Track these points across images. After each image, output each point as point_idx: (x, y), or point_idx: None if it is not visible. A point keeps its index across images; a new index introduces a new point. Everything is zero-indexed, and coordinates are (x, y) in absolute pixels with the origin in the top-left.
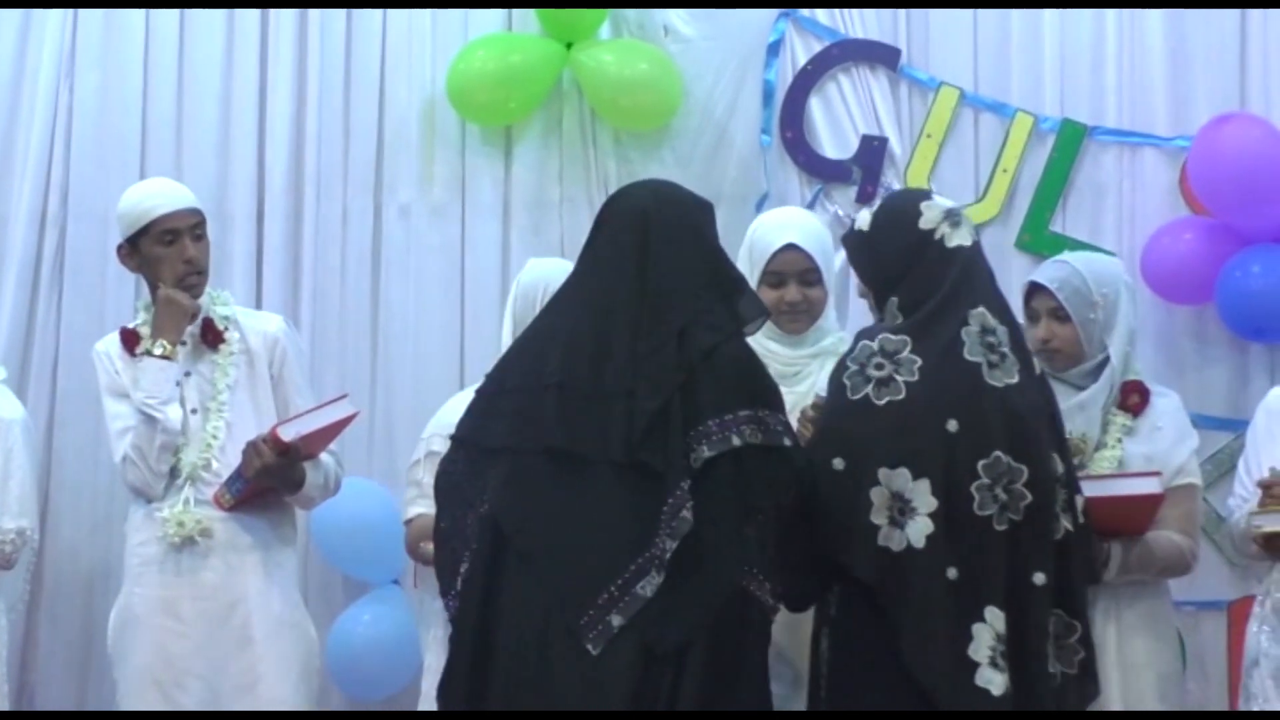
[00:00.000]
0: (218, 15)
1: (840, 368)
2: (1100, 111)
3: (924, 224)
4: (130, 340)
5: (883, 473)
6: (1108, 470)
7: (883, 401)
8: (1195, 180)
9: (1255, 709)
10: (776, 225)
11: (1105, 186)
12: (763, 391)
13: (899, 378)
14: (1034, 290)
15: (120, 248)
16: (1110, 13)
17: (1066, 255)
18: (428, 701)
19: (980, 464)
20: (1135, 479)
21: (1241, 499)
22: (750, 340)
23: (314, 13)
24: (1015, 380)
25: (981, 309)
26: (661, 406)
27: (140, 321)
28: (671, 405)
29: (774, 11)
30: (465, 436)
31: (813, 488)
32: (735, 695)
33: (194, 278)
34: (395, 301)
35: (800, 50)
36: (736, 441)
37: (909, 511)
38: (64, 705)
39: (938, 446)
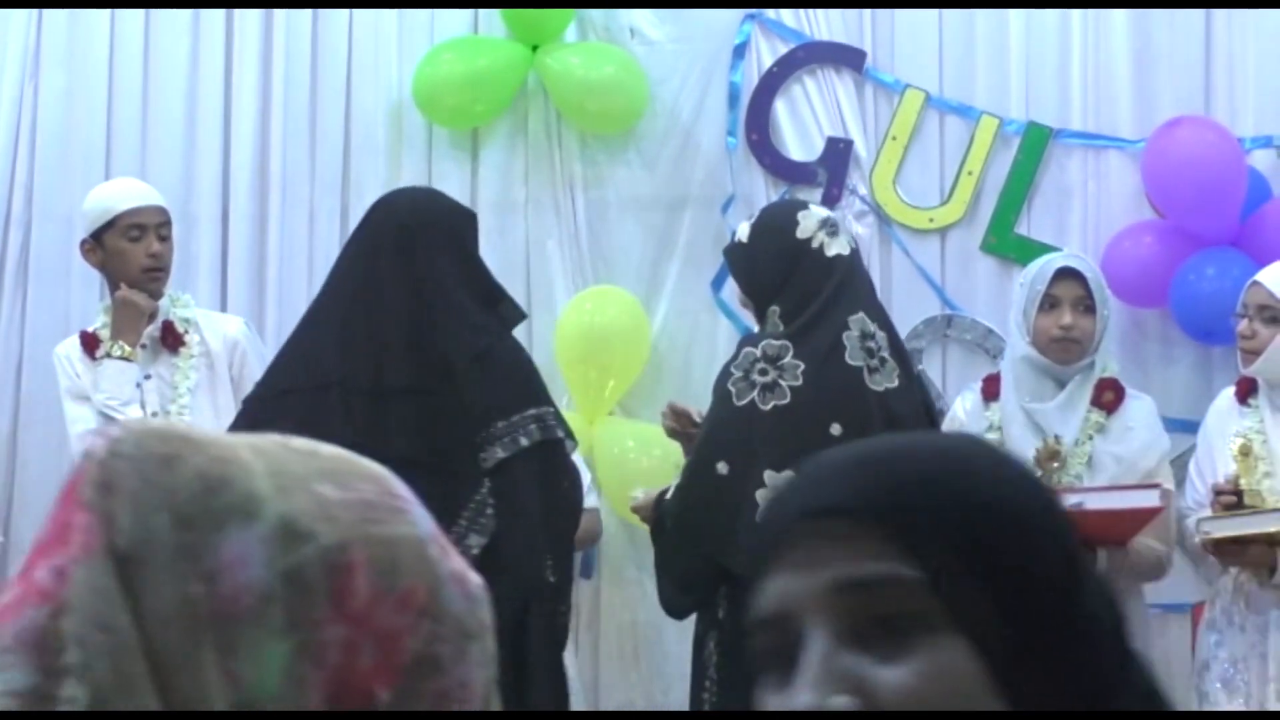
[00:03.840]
0: (183, 16)
1: (724, 375)
2: (1065, 114)
3: (801, 233)
4: (90, 343)
5: (769, 475)
6: (1077, 469)
7: (768, 406)
8: (1149, 183)
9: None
10: None
11: (1070, 189)
12: (540, 390)
13: (784, 383)
14: (1061, 276)
15: (84, 243)
16: (1075, 14)
17: (1069, 252)
18: None
19: None
20: (1135, 491)
21: (1195, 503)
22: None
23: (279, 14)
24: (895, 385)
25: (861, 314)
26: (443, 405)
27: (100, 325)
28: (452, 404)
29: (740, 13)
30: None
31: (687, 490)
32: (528, 686)
33: (157, 274)
34: None
35: (766, 52)
36: (524, 441)
37: None
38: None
39: (822, 449)
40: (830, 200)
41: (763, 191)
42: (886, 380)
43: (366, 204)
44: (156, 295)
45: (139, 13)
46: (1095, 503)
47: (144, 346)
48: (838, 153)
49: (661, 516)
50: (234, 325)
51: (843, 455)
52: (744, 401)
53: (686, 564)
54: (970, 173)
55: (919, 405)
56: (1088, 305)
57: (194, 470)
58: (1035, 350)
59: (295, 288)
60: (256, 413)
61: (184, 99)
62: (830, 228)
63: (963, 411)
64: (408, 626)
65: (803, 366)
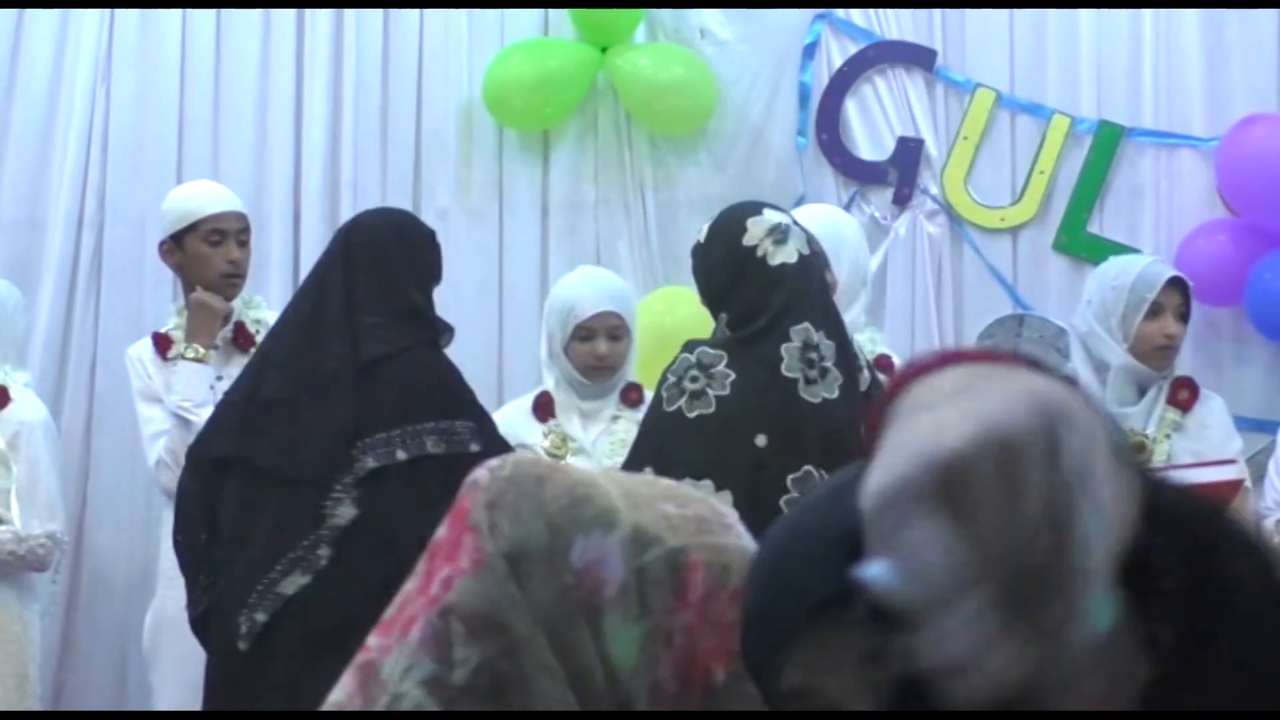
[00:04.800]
0: (254, 16)
1: (661, 379)
2: (1137, 113)
3: (747, 240)
4: (162, 344)
5: (688, 484)
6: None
7: (693, 414)
8: (1223, 181)
9: None
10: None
11: (1142, 188)
12: (450, 402)
13: (710, 391)
14: (1168, 284)
15: (162, 244)
16: (1147, 13)
17: (1153, 256)
18: None
19: (790, 478)
20: (1215, 467)
21: (1275, 503)
22: None
23: (350, 14)
24: (835, 395)
25: (806, 325)
26: (322, 415)
27: (172, 326)
28: (328, 415)
29: (810, 13)
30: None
31: None
32: None
33: (235, 280)
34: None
35: (836, 52)
36: (401, 455)
37: None
38: (101, 707)
39: (743, 461)
40: (900, 200)
41: (833, 191)
42: (826, 391)
43: (437, 205)
44: (231, 299)
45: (210, 14)
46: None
47: (216, 348)
48: (908, 152)
49: None
50: None
51: None
52: (672, 408)
53: None
54: (1042, 172)
55: (862, 417)
56: (1183, 313)
57: (563, 487)
58: (1133, 357)
59: None
60: (215, 417)
61: (255, 100)
62: (778, 235)
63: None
64: (739, 618)
65: (733, 376)
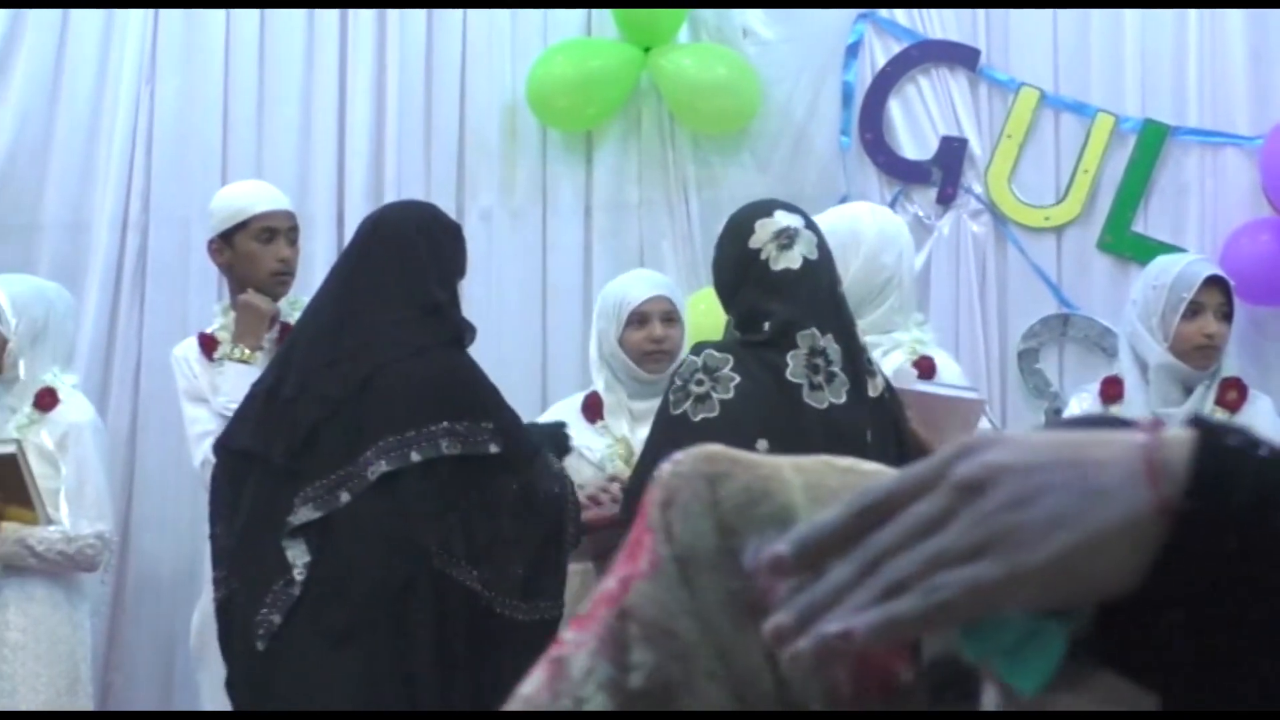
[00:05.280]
0: (298, 16)
1: (669, 382)
2: (1181, 111)
3: (753, 243)
4: (208, 344)
5: None
6: None
7: (698, 418)
8: (1268, 180)
9: None
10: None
11: (1187, 186)
12: (467, 402)
13: (715, 395)
14: (1207, 283)
15: (211, 242)
16: (1191, 12)
17: (1197, 255)
18: None
19: None
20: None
21: None
22: None
23: (394, 14)
24: (842, 400)
25: (813, 330)
26: (325, 417)
27: (218, 326)
28: (341, 415)
29: (853, 12)
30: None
31: (630, 496)
32: (454, 672)
33: (284, 279)
34: (477, 305)
35: (879, 51)
36: (416, 457)
37: None
38: (148, 707)
39: None
40: (944, 200)
41: (877, 191)
42: (833, 396)
43: (480, 205)
44: (280, 298)
45: (254, 14)
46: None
47: (263, 349)
48: (952, 151)
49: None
50: None
51: None
52: (678, 411)
53: None
54: (1086, 171)
55: (870, 421)
56: (1226, 312)
57: (739, 485)
58: (1173, 356)
59: None
60: (240, 410)
61: (299, 101)
62: (784, 239)
63: (1080, 412)
64: None
65: (737, 380)
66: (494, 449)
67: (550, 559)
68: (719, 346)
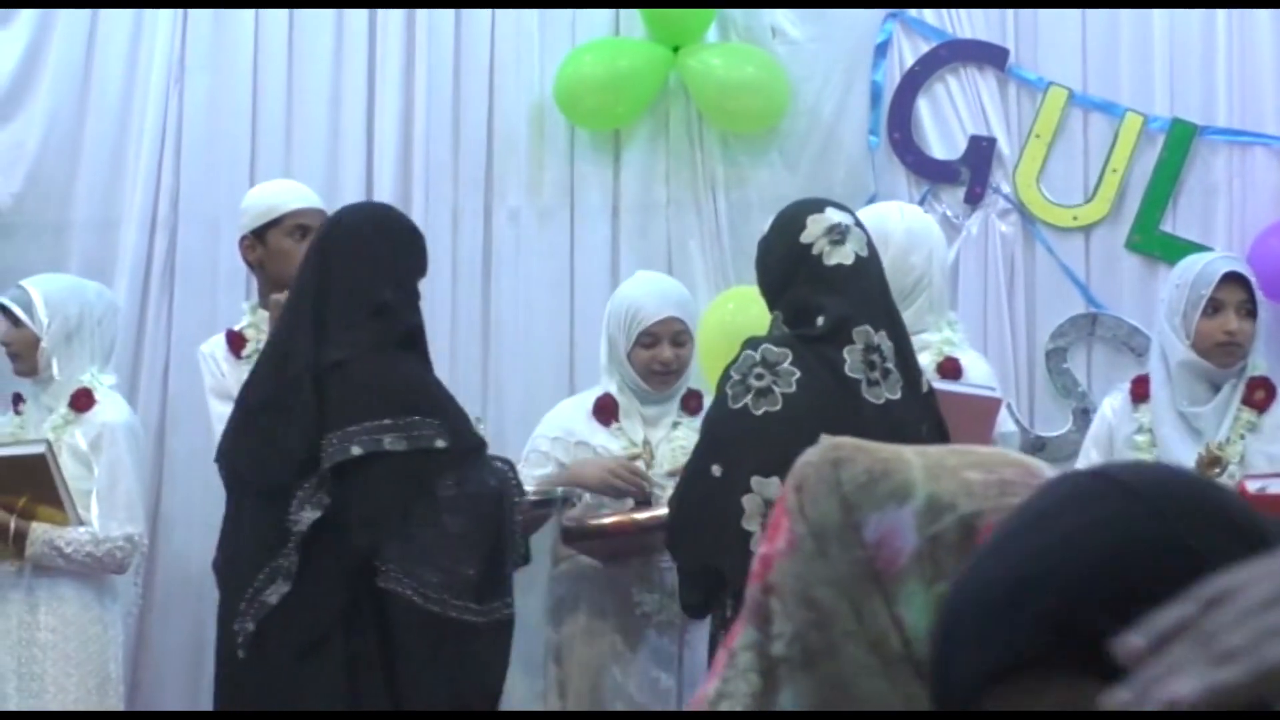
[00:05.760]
0: (326, 17)
1: (724, 377)
2: (1210, 111)
3: (805, 238)
4: (236, 342)
5: (756, 480)
6: (1230, 469)
7: (760, 412)
8: None
9: None
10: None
11: (1216, 186)
12: (411, 400)
13: (777, 389)
14: (1226, 279)
15: (243, 239)
16: (1220, 12)
17: (1224, 252)
18: None
19: None
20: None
21: None
22: None
23: (422, 14)
24: (898, 396)
25: (866, 327)
26: (287, 423)
27: (246, 324)
28: (291, 422)
29: (881, 12)
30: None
31: (684, 491)
32: (398, 685)
33: None
34: (505, 305)
35: (908, 51)
36: (356, 450)
37: None
38: (174, 707)
39: None
40: (973, 199)
41: (905, 191)
42: (889, 392)
43: (509, 205)
44: None
45: (282, 14)
46: (1278, 487)
47: None
48: (981, 151)
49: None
50: None
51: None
52: (739, 405)
53: (685, 564)
54: (1115, 170)
55: (924, 416)
56: (1249, 309)
57: (861, 467)
58: (1195, 354)
59: (439, 288)
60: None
61: (327, 101)
62: (836, 235)
63: (1110, 412)
64: None
65: (798, 374)
66: (441, 443)
67: (500, 558)
68: (776, 341)
